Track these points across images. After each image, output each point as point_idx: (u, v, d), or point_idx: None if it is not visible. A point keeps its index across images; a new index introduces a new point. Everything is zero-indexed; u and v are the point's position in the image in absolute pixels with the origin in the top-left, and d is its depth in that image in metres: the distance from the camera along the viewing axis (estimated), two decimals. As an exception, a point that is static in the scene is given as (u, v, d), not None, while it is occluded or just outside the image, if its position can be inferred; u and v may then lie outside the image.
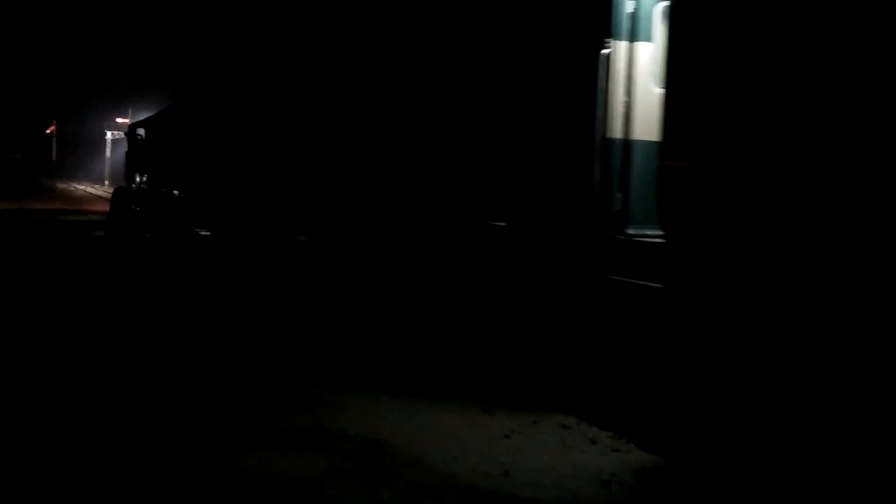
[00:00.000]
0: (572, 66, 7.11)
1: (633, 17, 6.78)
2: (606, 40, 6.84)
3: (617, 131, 6.84)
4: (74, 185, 75.38)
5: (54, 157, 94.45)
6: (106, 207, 30.93)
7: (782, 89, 5.27)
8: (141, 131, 28.52)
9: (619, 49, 6.80)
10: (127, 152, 30.84)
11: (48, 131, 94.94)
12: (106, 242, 22.50)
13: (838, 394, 4.93)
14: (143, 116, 36.11)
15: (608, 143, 6.85)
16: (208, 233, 18.86)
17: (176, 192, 21.60)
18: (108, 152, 78.05)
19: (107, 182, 69.75)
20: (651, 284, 6.30)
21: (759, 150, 5.34)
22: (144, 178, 26.28)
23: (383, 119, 10.94)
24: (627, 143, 6.83)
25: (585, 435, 6.28)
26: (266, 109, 15.70)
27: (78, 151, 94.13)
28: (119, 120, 72.14)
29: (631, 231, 6.80)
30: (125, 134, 33.23)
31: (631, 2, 6.79)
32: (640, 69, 6.77)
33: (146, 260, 18.12)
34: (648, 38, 6.76)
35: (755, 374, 5.43)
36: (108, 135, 77.97)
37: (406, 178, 10.30)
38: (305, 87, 13.61)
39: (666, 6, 6.39)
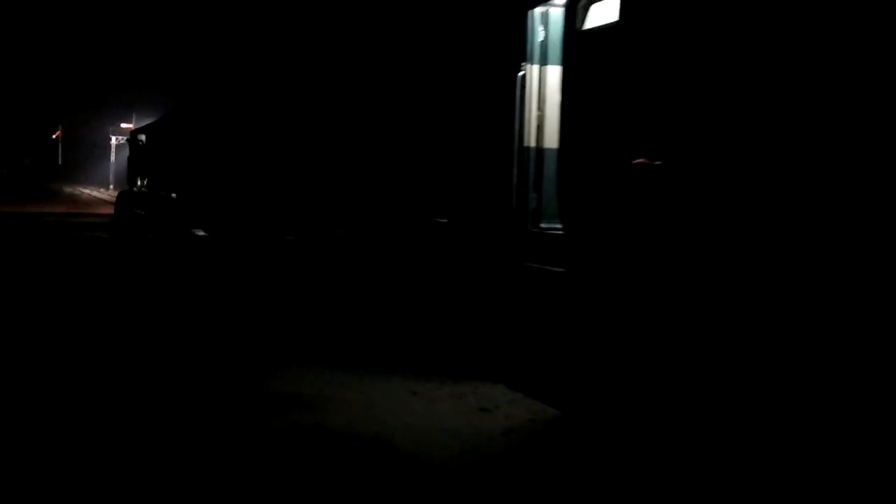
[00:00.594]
0: (496, 86, 8.48)
1: (544, 44, 8.14)
2: (522, 64, 8.20)
3: (532, 141, 8.20)
4: (80, 188, 77.05)
5: (60, 162, 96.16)
6: (110, 210, 32.45)
7: (632, 113, 6.61)
8: (142, 137, 30.04)
9: (532, 71, 8.17)
10: (129, 157, 32.37)
11: (54, 136, 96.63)
12: (109, 243, 23.92)
13: (694, 357, 6.26)
14: (146, 122, 37.58)
15: (524, 150, 8.21)
16: (203, 233, 20.28)
17: (173, 194, 23.03)
18: (112, 157, 79.79)
19: (111, 186, 71.39)
20: (556, 269, 7.66)
21: (616, 166, 6.70)
22: (145, 182, 27.75)
23: (356, 130, 12.30)
24: (540, 151, 8.19)
25: (502, 396, 7.61)
26: (256, 117, 17.09)
27: (84, 156, 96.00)
28: (124, 125, 73.84)
29: (543, 225, 8.16)
30: (127, 140, 34.74)
31: (542, 31, 8.15)
32: (549, 88, 8.13)
33: (144, 258, 19.53)
34: (557, 63, 8.11)
35: (632, 340, 6.77)
36: (113, 140, 79.74)
37: (372, 182, 11.67)
38: (291, 99, 14.98)
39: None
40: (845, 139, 5.10)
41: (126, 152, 38.86)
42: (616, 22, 6.83)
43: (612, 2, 6.88)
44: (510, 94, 8.22)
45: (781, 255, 5.45)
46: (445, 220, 9.46)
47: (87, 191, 72.31)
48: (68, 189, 72.96)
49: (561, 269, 7.56)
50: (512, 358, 8.15)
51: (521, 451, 6.25)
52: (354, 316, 11.15)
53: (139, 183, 28.83)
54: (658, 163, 6.33)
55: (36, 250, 20.37)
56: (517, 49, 8.19)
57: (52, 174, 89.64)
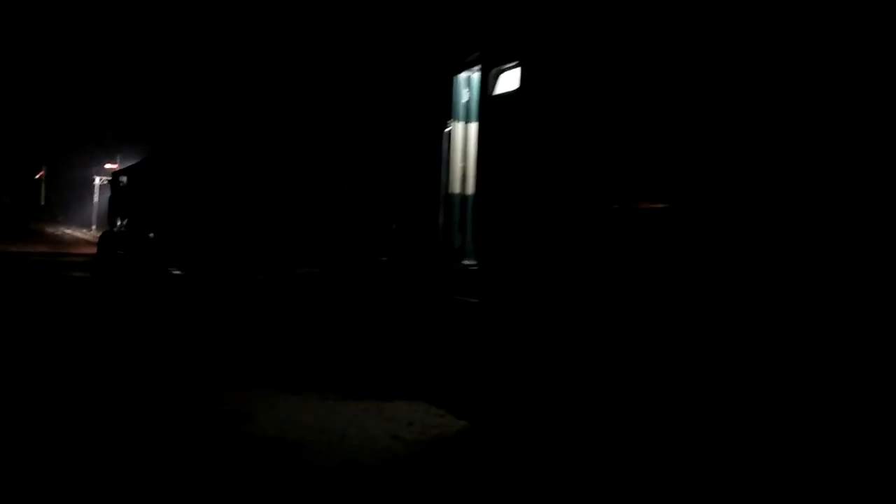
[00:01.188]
0: (427, 140, 9.85)
1: (468, 104, 9.52)
2: (449, 121, 9.56)
3: (456, 188, 9.54)
4: (63, 229, 77.94)
5: (43, 202, 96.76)
6: (91, 250, 33.62)
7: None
8: (123, 179, 31.34)
9: (457, 128, 9.54)
10: (110, 198, 33.66)
11: (38, 176, 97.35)
12: (90, 282, 25.15)
13: (584, 372, 7.54)
14: (129, 163, 38.87)
15: (450, 196, 9.55)
16: (179, 272, 21.54)
17: (150, 234, 24.31)
18: (96, 197, 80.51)
19: (94, 227, 72.21)
20: (472, 300, 8.95)
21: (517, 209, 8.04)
22: (124, 223, 29.02)
23: (316, 178, 13.65)
24: (465, 198, 9.53)
25: (424, 411, 8.85)
26: (227, 164, 18.46)
27: (66, 196, 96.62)
28: (108, 166, 74.76)
29: (466, 262, 9.47)
30: (108, 181, 36.05)
31: (466, 93, 9.52)
32: (471, 143, 9.49)
33: (121, 296, 20.76)
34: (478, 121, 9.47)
35: (534, 361, 8.04)
36: (97, 180, 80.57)
37: (330, 225, 12.99)
38: (258, 148, 16.38)
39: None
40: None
41: (109, 193, 40.15)
42: (517, 89, 8.20)
43: (515, 73, 8.26)
44: (438, 148, 9.58)
45: (634, 286, 6.76)
46: (386, 259, 10.78)
47: (69, 231, 73.25)
48: (50, 229, 73.86)
49: (476, 300, 8.85)
50: (435, 379, 9.41)
51: (427, 453, 7.50)
52: (308, 345, 12.41)
53: (119, 223, 30.08)
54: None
55: (20, 288, 21.58)
56: (445, 108, 9.58)
57: (34, 214, 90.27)
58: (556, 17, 7.67)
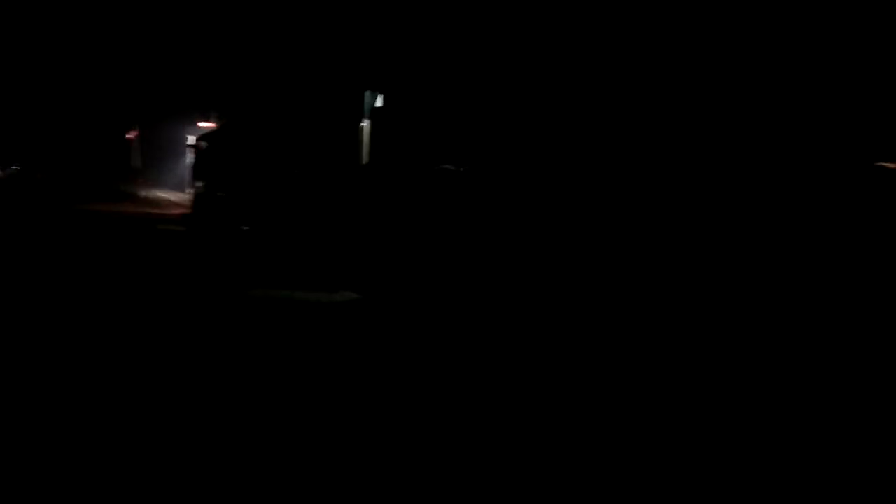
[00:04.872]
0: (349, 131, 18.66)
1: (374, 109, 18.27)
2: (362, 119, 18.34)
3: (365, 160, 18.33)
4: (155, 191, 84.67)
5: (135, 163, 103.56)
6: (181, 211, 42.84)
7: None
8: (203, 143, 40.52)
9: (366, 124, 18.31)
10: (193, 162, 43.01)
11: (129, 136, 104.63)
12: (181, 234, 34.50)
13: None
14: (221, 123, 47.79)
15: (362, 166, 18.36)
16: (247, 227, 30.55)
17: (220, 194, 33.54)
18: (189, 157, 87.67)
19: (187, 189, 78.61)
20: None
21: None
22: (202, 185, 38.16)
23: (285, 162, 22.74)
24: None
25: (349, 295, 17.64)
26: (266, 140, 27.56)
27: (159, 157, 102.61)
28: (201, 124, 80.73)
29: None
30: (190, 146, 45.55)
31: (372, 102, 18.27)
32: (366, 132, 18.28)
33: (203, 247, 30.03)
34: (377, 119, 18.28)
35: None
36: (190, 139, 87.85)
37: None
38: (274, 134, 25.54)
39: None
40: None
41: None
42: (383, 104, 16.98)
43: (381, 97, 17.05)
44: (356, 136, 18.38)
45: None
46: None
47: (162, 194, 78.26)
48: (143, 191, 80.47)
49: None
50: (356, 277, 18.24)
51: (348, 305, 16.40)
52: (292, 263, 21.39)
53: (198, 185, 39.25)
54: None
55: (122, 242, 30.94)
56: (359, 112, 18.36)
57: (125, 175, 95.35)
58: (392, 77, 16.44)
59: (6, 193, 50.45)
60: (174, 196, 71.82)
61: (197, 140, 43.98)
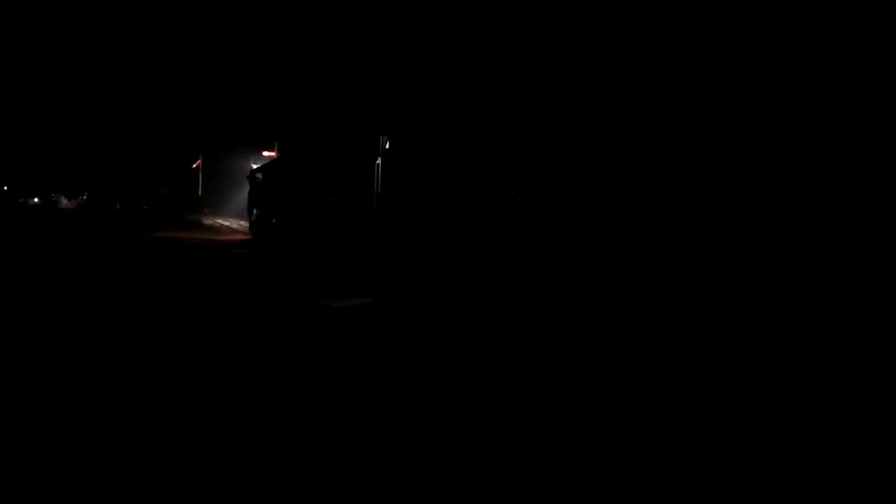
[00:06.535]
0: (367, 167, 23.73)
1: (383, 150, 23.36)
2: (377, 158, 23.44)
3: (379, 190, 23.43)
4: (218, 220, 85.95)
5: (200, 193, 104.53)
6: (241, 237, 48.40)
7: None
8: (259, 175, 46.16)
9: (379, 162, 23.39)
10: (249, 191, 48.60)
11: (195, 166, 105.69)
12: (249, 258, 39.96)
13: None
14: (283, 152, 53.16)
15: (377, 194, 23.46)
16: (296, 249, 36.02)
17: (274, 220, 38.94)
18: (246, 188, 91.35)
19: (246, 217, 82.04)
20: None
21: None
22: (257, 212, 43.74)
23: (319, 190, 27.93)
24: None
25: (365, 300, 22.65)
26: (309, 173, 32.85)
27: (223, 185, 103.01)
28: (265, 153, 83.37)
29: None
30: (247, 177, 51.07)
31: (386, 144, 23.37)
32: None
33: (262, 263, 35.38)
34: (389, 158, 23.40)
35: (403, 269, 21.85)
36: (253, 166, 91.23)
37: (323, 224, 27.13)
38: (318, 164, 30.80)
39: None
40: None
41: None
42: (389, 147, 22.04)
43: (388, 140, 22.13)
44: (371, 172, 23.44)
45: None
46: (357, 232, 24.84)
47: (224, 222, 79.87)
48: (207, 220, 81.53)
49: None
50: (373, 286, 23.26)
51: (363, 308, 21.41)
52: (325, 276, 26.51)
53: (254, 212, 44.81)
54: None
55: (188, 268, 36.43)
56: (375, 152, 23.44)
57: (191, 204, 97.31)
58: (395, 127, 21.50)
59: (81, 222, 55.38)
60: (235, 224, 76.08)
61: (252, 172, 49.62)
